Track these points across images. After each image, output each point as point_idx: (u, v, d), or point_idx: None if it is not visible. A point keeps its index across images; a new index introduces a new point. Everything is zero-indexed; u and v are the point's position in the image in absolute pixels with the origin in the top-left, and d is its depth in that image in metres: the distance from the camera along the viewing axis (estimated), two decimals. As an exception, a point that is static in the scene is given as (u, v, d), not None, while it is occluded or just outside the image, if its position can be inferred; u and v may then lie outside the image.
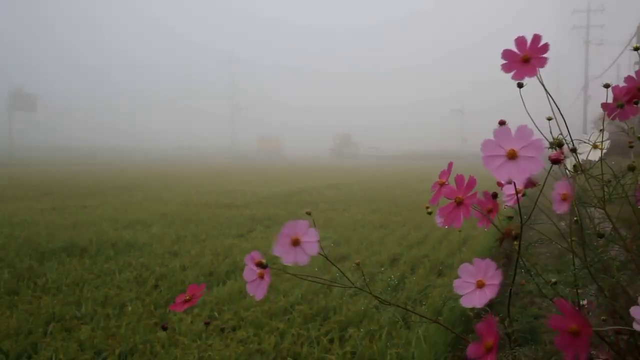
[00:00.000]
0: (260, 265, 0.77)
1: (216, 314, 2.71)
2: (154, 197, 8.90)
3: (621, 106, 0.93)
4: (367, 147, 60.69)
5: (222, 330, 2.43)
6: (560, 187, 0.78)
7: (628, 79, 0.93)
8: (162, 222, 5.83)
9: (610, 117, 0.95)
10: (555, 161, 0.71)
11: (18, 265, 3.61)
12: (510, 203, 0.88)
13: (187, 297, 0.87)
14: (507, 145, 0.64)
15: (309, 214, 0.89)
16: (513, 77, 0.77)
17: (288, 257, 0.75)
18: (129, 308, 2.76)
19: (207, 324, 1.25)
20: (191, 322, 2.53)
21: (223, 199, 8.54)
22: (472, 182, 0.77)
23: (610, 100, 0.95)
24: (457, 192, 0.78)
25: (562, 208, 0.78)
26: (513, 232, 0.76)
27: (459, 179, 0.78)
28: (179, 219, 6.08)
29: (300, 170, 21.50)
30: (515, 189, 0.79)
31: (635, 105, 0.93)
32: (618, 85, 0.94)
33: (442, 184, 0.82)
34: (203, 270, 3.59)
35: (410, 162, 37.28)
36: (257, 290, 0.79)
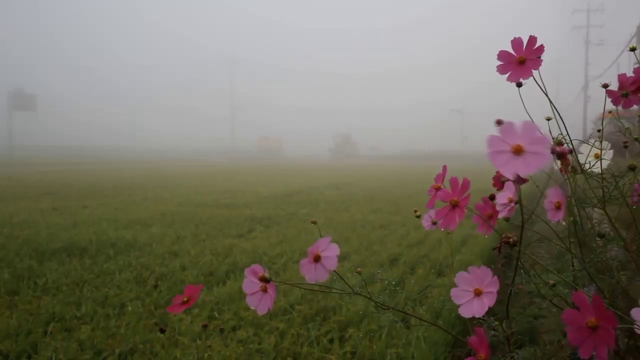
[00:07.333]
0: (263, 279, 0.76)
1: (216, 314, 2.71)
2: (154, 197, 8.90)
3: (626, 95, 0.93)
4: (367, 147, 60.75)
5: (222, 330, 2.43)
6: (553, 195, 0.77)
7: (638, 69, 0.93)
8: (162, 222, 5.82)
9: (616, 105, 0.95)
10: (561, 155, 0.70)
11: (18, 265, 3.61)
12: (503, 214, 0.87)
13: (185, 299, 0.86)
14: (512, 141, 0.63)
15: (314, 223, 0.89)
16: (508, 79, 0.76)
17: (310, 275, 0.75)
18: (129, 308, 2.76)
19: (204, 326, 1.25)
20: (191, 322, 2.53)
21: (223, 199, 8.53)
22: (466, 184, 0.77)
23: (611, 100, 0.96)
24: (451, 194, 0.77)
25: (556, 216, 0.77)
26: (511, 240, 0.76)
27: (454, 181, 0.78)
28: (179, 219, 6.07)
29: (300, 170, 21.50)
30: (519, 186, 0.78)
31: (639, 96, 0.93)
32: (625, 74, 0.95)
33: (437, 188, 0.82)
34: (203, 270, 3.59)
35: (410, 162, 37.27)
36: (259, 305, 0.77)
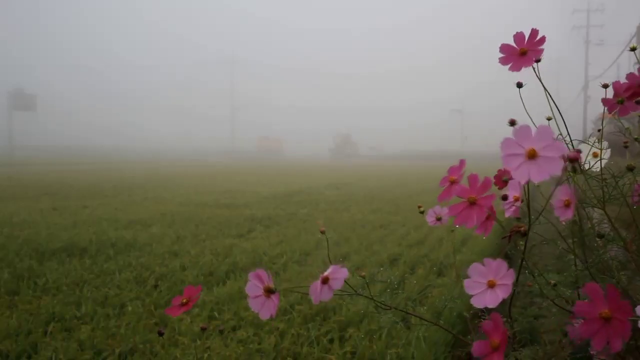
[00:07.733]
0: (268, 290, 0.75)
1: (216, 314, 2.71)
2: (154, 197, 8.90)
3: (621, 102, 0.93)
4: (367, 147, 60.81)
5: (221, 331, 2.43)
6: (562, 193, 0.76)
7: (630, 76, 0.93)
8: (162, 222, 5.82)
9: (610, 113, 0.95)
10: (573, 160, 0.69)
11: (18, 265, 3.61)
12: (509, 213, 0.86)
13: (184, 301, 0.86)
14: (527, 145, 0.62)
15: (323, 232, 0.88)
16: (510, 69, 0.76)
17: (315, 296, 0.74)
18: (129, 308, 2.76)
19: (203, 329, 1.24)
20: (191, 322, 2.53)
21: (223, 199, 8.53)
22: (487, 183, 0.74)
23: (607, 108, 0.96)
24: (469, 191, 0.75)
25: (565, 214, 0.76)
26: (522, 229, 0.74)
27: (472, 177, 0.76)
28: (179, 219, 6.07)
29: (300, 170, 21.49)
30: (527, 186, 0.76)
31: (635, 102, 0.93)
32: (619, 81, 0.94)
33: (453, 181, 0.79)
34: (203, 270, 3.59)
35: (410, 162, 37.28)
36: (262, 309, 0.75)
